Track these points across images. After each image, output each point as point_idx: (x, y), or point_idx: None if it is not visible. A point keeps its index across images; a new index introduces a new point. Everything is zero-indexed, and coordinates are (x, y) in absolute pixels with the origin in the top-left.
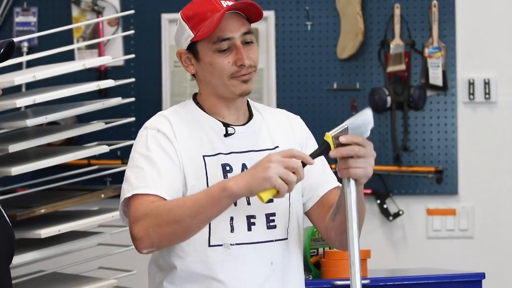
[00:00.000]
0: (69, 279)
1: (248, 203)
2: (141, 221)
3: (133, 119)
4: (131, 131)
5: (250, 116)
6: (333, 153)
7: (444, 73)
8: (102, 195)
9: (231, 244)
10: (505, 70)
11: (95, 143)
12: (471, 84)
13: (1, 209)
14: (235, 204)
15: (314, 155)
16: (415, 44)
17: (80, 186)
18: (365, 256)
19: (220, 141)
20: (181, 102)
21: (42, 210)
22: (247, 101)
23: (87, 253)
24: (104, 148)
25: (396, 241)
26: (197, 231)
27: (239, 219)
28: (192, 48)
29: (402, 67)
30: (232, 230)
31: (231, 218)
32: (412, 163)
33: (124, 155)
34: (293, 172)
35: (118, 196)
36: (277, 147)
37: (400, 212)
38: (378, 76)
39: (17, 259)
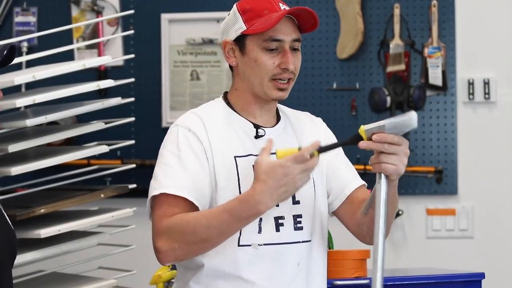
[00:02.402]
0: (69, 279)
1: (277, 205)
2: (165, 236)
3: (132, 119)
4: (131, 131)
5: (278, 118)
6: (362, 144)
7: (443, 73)
8: (102, 195)
9: (259, 245)
10: (505, 70)
11: (95, 143)
12: (470, 84)
13: (3, 211)
14: None
15: (343, 143)
16: (414, 44)
17: (80, 186)
18: (364, 256)
19: (250, 142)
20: (180, 102)
21: (42, 210)
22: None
23: (87, 253)
24: (103, 148)
25: (396, 241)
26: (220, 244)
27: (267, 220)
28: (239, 40)
29: (402, 67)
30: (259, 231)
31: (260, 219)
32: (412, 163)
33: (123, 155)
34: None
35: (118, 196)
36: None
37: (400, 212)
38: (377, 76)
39: (17, 259)
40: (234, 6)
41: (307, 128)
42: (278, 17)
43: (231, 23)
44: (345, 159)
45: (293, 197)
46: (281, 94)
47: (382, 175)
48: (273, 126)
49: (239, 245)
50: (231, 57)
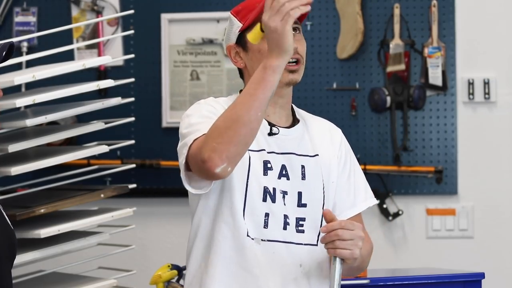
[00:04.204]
0: (68, 279)
1: (284, 204)
2: (204, 145)
3: (132, 119)
4: (130, 131)
5: (294, 121)
6: (320, 241)
7: (443, 73)
8: (102, 195)
9: (262, 240)
10: (505, 70)
11: (95, 143)
12: (470, 84)
13: (3, 211)
14: (273, 201)
15: None
16: (414, 44)
17: (80, 186)
18: None
19: (263, 138)
20: (180, 102)
21: (42, 210)
22: (292, 106)
23: (87, 253)
24: (103, 148)
25: (395, 241)
26: (258, 123)
27: (275, 217)
28: (241, 39)
29: (402, 67)
30: (266, 226)
31: (267, 214)
32: (412, 163)
33: (123, 155)
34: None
35: (118, 196)
36: (317, 155)
37: (400, 212)
38: (377, 76)
39: (16, 259)
40: (229, 13)
41: (323, 136)
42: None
43: (230, 28)
44: (356, 181)
45: (299, 200)
46: (293, 76)
47: (337, 258)
48: (289, 127)
49: (247, 235)
50: (238, 60)
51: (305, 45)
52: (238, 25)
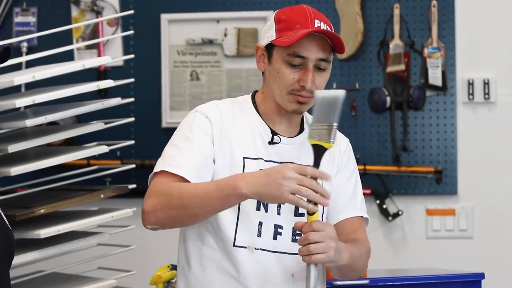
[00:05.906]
0: (68, 279)
1: (278, 213)
2: (154, 197)
3: (132, 119)
4: (130, 131)
5: (301, 129)
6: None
7: (443, 73)
8: (102, 195)
9: (255, 248)
10: (505, 70)
11: (95, 143)
12: (470, 84)
13: (0, 211)
14: (266, 211)
15: (316, 164)
16: (414, 44)
17: (79, 186)
18: None
19: (263, 147)
20: (180, 102)
21: (42, 210)
22: (303, 115)
23: (87, 253)
24: (103, 148)
25: (395, 241)
26: (204, 219)
27: (267, 226)
28: (269, 48)
29: (402, 67)
30: (259, 234)
31: (260, 223)
32: (412, 163)
33: (123, 155)
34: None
35: (118, 196)
36: None
37: (400, 212)
38: (377, 76)
39: (16, 259)
40: (274, 12)
41: None
42: (301, 35)
43: (267, 29)
44: (354, 186)
45: (297, 209)
46: (299, 107)
47: (312, 265)
48: (292, 137)
49: (234, 245)
50: (261, 62)
51: (325, 80)
52: (272, 34)
